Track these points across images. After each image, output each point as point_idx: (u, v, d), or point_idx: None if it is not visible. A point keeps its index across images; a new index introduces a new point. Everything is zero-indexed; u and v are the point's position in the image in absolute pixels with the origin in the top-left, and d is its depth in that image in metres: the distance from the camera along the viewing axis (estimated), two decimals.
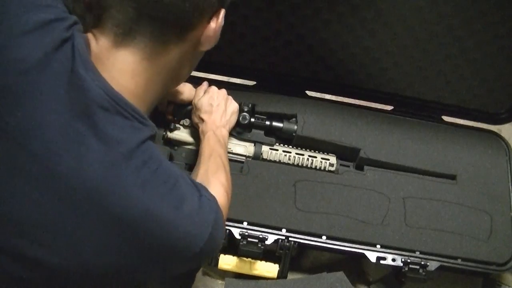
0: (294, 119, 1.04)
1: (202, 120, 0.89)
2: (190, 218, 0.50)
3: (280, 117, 1.05)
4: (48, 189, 0.45)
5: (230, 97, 0.94)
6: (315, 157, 1.03)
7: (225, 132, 0.89)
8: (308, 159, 1.02)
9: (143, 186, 0.47)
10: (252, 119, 1.01)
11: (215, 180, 0.74)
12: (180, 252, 0.50)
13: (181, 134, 0.98)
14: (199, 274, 1.06)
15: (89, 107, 0.46)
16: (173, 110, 0.97)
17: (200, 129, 0.89)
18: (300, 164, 1.02)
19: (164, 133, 0.96)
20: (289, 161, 1.02)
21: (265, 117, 1.03)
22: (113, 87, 0.48)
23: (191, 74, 1.15)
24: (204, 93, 0.92)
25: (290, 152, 1.02)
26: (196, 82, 1.09)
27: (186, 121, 1.01)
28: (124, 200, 0.46)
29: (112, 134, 0.46)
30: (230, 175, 0.80)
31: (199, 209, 0.52)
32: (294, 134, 1.02)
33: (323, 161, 1.03)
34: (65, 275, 0.47)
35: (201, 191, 0.55)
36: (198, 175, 0.76)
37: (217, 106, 0.90)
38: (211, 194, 0.58)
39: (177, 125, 0.98)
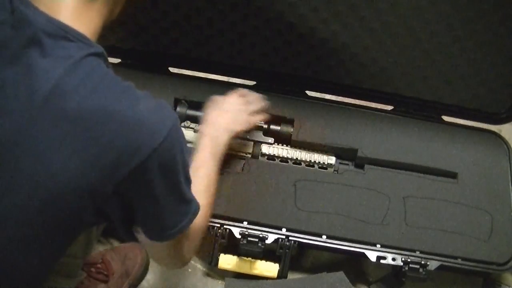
0: (291, 123, 1.05)
1: (206, 120, 0.88)
2: (147, 113, 0.51)
3: (278, 120, 1.05)
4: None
5: (250, 109, 0.92)
6: (314, 156, 1.04)
7: (224, 138, 0.86)
8: (306, 156, 1.03)
9: (94, 89, 0.49)
10: None
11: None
12: (140, 148, 0.50)
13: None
14: (199, 274, 1.06)
15: (36, 35, 0.49)
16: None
17: (200, 128, 0.88)
18: (299, 158, 1.03)
19: None
20: (288, 155, 1.03)
21: (262, 121, 1.04)
22: (54, 17, 0.52)
23: (192, 74, 1.16)
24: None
25: (287, 150, 1.04)
26: (197, 82, 1.10)
27: (187, 123, 1.02)
28: (78, 103, 0.48)
29: (58, 53, 0.50)
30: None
31: (157, 106, 0.53)
32: (290, 137, 1.04)
33: (322, 157, 1.04)
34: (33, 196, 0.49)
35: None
36: (203, 188, 0.75)
37: (226, 111, 0.89)
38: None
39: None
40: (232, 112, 0.90)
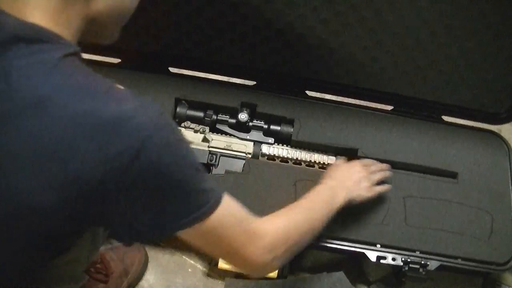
0: (291, 123, 1.06)
1: (330, 175, 0.89)
2: (132, 112, 0.49)
3: (278, 120, 1.05)
4: None
5: (373, 178, 0.93)
6: (314, 156, 1.04)
7: (343, 195, 0.84)
8: (306, 156, 1.03)
9: (77, 91, 0.48)
10: (251, 123, 1.04)
11: (286, 224, 0.71)
12: (130, 147, 0.48)
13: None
14: (199, 274, 1.06)
15: (8, 40, 0.48)
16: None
17: (322, 178, 0.89)
18: (299, 158, 1.03)
19: None
20: (288, 155, 1.03)
21: (262, 122, 1.05)
22: (27, 20, 0.50)
23: (192, 74, 1.16)
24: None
25: (288, 150, 1.04)
26: (197, 82, 1.10)
27: (188, 123, 1.02)
28: (62, 108, 0.47)
29: (35, 57, 0.48)
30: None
31: (140, 103, 0.51)
32: (291, 137, 1.04)
33: (322, 157, 1.04)
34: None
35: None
36: (294, 214, 0.75)
37: (351, 174, 0.90)
38: None
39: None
40: (356, 177, 0.90)
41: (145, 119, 0.50)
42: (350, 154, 1.05)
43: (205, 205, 0.57)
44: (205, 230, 0.58)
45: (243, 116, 1.03)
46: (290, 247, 0.69)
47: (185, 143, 0.55)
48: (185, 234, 0.58)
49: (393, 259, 0.95)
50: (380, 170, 0.96)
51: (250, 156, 1.03)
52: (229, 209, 0.61)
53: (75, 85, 0.49)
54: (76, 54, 0.52)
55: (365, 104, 1.13)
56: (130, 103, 0.50)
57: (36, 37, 0.49)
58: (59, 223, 0.52)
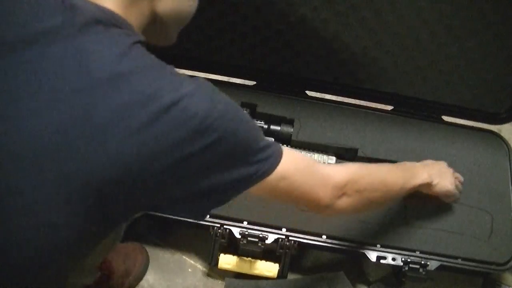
0: (291, 123, 1.06)
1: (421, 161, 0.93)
2: (192, 92, 0.52)
3: (278, 120, 1.05)
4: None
5: (456, 176, 0.96)
6: (314, 156, 1.04)
7: (421, 177, 0.87)
8: (307, 156, 1.03)
9: (147, 72, 0.51)
10: None
11: (359, 187, 0.72)
12: (186, 121, 0.51)
13: None
14: (199, 274, 1.06)
15: (88, 22, 0.50)
16: None
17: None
18: None
19: None
20: None
21: (262, 122, 1.05)
22: (102, 6, 0.53)
23: (192, 74, 1.16)
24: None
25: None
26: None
27: None
28: (132, 85, 0.49)
29: (110, 39, 0.51)
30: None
31: (198, 83, 0.54)
32: (291, 137, 1.04)
33: (322, 157, 1.04)
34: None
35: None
36: (370, 168, 0.77)
37: (442, 166, 0.94)
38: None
39: None
40: (444, 170, 0.93)
41: (204, 96, 0.53)
42: (350, 154, 1.05)
43: (271, 157, 0.60)
44: (275, 180, 0.61)
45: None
46: (360, 192, 0.71)
47: (240, 108, 0.58)
48: (255, 189, 0.60)
49: (393, 259, 0.95)
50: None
51: None
52: (292, 157, 0.63)
53: (145, 67, 0.51)
54: (143, 43, 0.55)
55: (365, 104, 1.13)
56: (189, 84, 0.53)
57: (112, 21, 0.52)
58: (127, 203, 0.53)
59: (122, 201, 0.52)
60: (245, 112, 0.59)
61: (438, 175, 0.91)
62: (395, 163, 0.86)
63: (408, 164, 0.88)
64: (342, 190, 0.69)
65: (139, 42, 0.54)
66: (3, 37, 0.48)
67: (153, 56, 0.54)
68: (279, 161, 0.61)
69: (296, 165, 0.64)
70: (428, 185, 0.88)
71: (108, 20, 0.52)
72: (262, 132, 0.61)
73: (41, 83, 0.47)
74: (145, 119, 0.49)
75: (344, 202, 0.69)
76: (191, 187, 0.55)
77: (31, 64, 0.48)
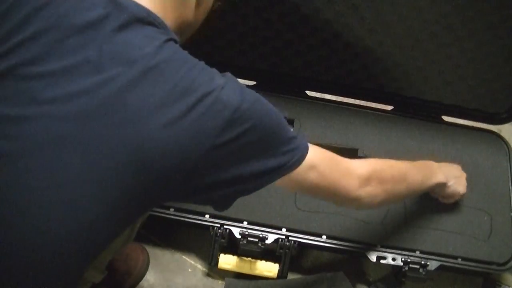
0: (291, 123, 1.06)
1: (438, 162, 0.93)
2: (223, 85, 0.55)
3: None
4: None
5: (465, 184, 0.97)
6: None
7: (440, 177, 0.89)
8: None
9: (182, 65, 0.54)
10: None
11: (380, 179, 0.73)
12: (219, 112, 0.53)
13: None
14: (199, 274, 1.06)
15: (129, 19, 0.53)
16: None
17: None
18: None
19: None
20: None
21: None
22: (141, 4, 0.56)
23: None
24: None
25: None
26: None
27: None
28: (171, 75, 0.52)
29: (146, 35, 0.54)
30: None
31: (226, 77, 0.57)
32: None
33: None
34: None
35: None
36: (391, 162, 0.78)
37: (457, 170, 0.96)
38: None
39: None
40: (459, 173, 0.96)
41: (234, 88, 0.55)
42: (350, 154, 1.05)
43: (300, 147, 0.61)
44: (304, 171, 0.62)
45: None
46: (384, 184, 0.73)
47: (266, 100, 0.60)
48: (285, 181, 0.61)
49: (393, 259, 0.95)
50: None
51: None
52: (317, 149, 0.65)
53: (179, 60, 0.54)
54: (176, 41, 0.57)
55: (365, 104, 1.13)
56: (220, 78, 0.56)
57: (150, 20, 0.55)
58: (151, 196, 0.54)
59: (156, 186, 0.53)
60: (271, 105, 0.61)
61: (453, 177, 0.93)
62: (413, 162, 0.86)
63: (426, 163, 0.89)
64: (366, 181, 0.70)
65: (173, 39, 0.56)
66: (62, 23, 0.52)
67: (186, 52, 0.57)
68: (307, 151, 0.62)
69: (323, 156, 0.66)
70: (443, 185, 0.90)
71: (145, 18, 0.55)
72: (288, 124, 0.63)
73: (84, 70, 0.50)
74: (180, 111, 0.51)
75: (369, 193, 0.71)
76: (223, 175, 0.56)
77: (79, 50, 0.51)
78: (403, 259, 0.95)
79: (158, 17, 0.57)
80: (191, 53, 0.57)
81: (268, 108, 0.59)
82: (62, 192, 0.49)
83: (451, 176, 0.93)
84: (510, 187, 1.04)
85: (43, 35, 0.51)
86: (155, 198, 0.56)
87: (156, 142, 0.50)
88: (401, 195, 0.81)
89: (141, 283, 1.04)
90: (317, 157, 0.64)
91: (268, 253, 0.97)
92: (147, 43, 0.53)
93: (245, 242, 0.94)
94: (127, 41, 0.52)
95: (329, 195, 0.70)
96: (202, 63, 0.57)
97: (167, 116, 0.51)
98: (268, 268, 0.97)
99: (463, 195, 0.96)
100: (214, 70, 0.57)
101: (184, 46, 0.58)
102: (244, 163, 0.57)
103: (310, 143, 0.59)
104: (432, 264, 0.95)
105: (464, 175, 0.96)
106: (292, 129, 0.63)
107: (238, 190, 0.59)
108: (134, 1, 0.56)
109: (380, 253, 0.95)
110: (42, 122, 0.49)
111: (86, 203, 0.50)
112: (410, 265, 0.94)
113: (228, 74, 0.58)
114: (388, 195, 0.75)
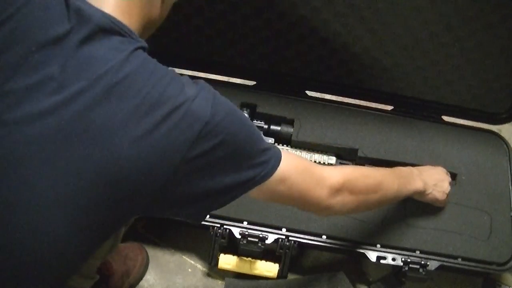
0: (291, 123, 1.06)
1: (418, 167, 0.94)
2: (194, 96, 0.53)
3: (278, 121, 1.05)
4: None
5: (449, 188, 0.96)
6: (314, 156, 1.04)
7: (419, 184, 0.88)
8: (306, 156, 1.04)
9: (150, 76, 0.52)
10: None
11: (360, 188, 0.73)
12: (189, 126, 0.52)
13: None
14: (199, 274, 1.06)
15: (94, 31, 0.51)
16: None
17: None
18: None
19: None
20: None
21: (262, 122, 1.05)
22: (106, 12, 0.54)
23: (192, 74, 1.16)
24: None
25: (288, 150, 1.04)
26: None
27: None
28: (138, 90, 0.51)
29: (112, 46, 0.52)
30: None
31: (199, 86, 0.56)
32: (291, 137, 1.04)
33: (322, 157, 1.04)
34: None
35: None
36: (366, 171, 0.78)
37: (439, 174, 0.95)
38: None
39: None
40: (439, 178, 0.94)
41: (206, 100, 0.54)
42: (350, 154, 1.05)
43: (271, 160, 0.61)
44: (274, 183, 0.61)
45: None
46: (356, 194, 0.73)
47: (240, 111, 0.59)
48: (255, 192, 0.61)
49: (393, 259, 0.95)
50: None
51: None
52: (290, 159, 0.64)
53: (146, 72, 0.52)
54: (144, 49, 0.56)
55: (365, 104, 1.13)
56: (190, 88, 0.54)
57: (115, 29, 0.53)
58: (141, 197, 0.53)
59: (126, 203, 0.52)
60: (245, 115, 0.60)
61: (433, 184, 0.92)
62: (392, 168, 0.87)
63: (404, 170, 0.89)
64: (337, 191, 0.69)
65: (141, 48, 0.55)
66: (25, 39, 0.50)
67: (154, 61, 0.55)
68: (279, 163, 0.61)
69: (295, 167, 0.65)
70: (421, 193, 0.90)
71: (111, 28, 0.53)
72: (261, 135, 0.61)
73: (49, 87, 0.49)
74: (148, 126, 0.50)
75: (339, 202, 0.70)
76: (193, 189, 0.55)
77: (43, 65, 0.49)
78: (403, 259, 0.95)
79: (123, 24, 0.55)
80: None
81: (241, 120, 0.58)
82: (29, 215, 0.48)
83: (431, 183, 0.91)
84: (510, 187, 1.04)
85: (5, 52, 0.49)
86: (128, 213, 0.55)
87: (123, 160, 0.49)
88: (374, 204, 0.80)
89: (141, 283, 1.05)
90: (289, 169, 0.63)
91: (268, 253, 0.97)
92: (111, 56, 0.51)
93: (245, 242, 0.94)
94: (91, 55, 0.50)
95: (299, 204, 0.70)
96: (172, 72, 0.55)
97: (134, 133, 0.49)
98: (268, 268, 0.97)
99: (443, 202, 0.96)
100: (185, 79, 0.56)
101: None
102: (216, 176, 0.56)
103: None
104: (432, 264, 0.95)
105: (447, 178, 0.96)
106: (265, 140, 0.62)
107: (211, 203, 0.59)
108: (98, 9, 0.54)
109: (380, 253, 0.95)
110: (6, 144, 0.47)
111: (54, 225, 0.49)
112: (410, 265, 0.94)
113: (201, 82, 0.57)
114: (360, 204, 0.74)
